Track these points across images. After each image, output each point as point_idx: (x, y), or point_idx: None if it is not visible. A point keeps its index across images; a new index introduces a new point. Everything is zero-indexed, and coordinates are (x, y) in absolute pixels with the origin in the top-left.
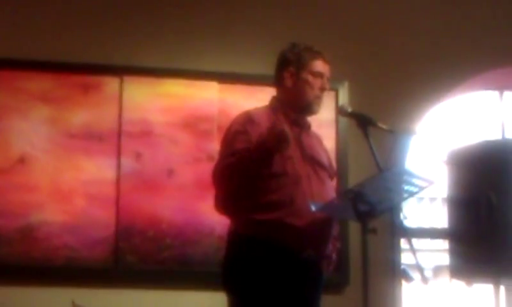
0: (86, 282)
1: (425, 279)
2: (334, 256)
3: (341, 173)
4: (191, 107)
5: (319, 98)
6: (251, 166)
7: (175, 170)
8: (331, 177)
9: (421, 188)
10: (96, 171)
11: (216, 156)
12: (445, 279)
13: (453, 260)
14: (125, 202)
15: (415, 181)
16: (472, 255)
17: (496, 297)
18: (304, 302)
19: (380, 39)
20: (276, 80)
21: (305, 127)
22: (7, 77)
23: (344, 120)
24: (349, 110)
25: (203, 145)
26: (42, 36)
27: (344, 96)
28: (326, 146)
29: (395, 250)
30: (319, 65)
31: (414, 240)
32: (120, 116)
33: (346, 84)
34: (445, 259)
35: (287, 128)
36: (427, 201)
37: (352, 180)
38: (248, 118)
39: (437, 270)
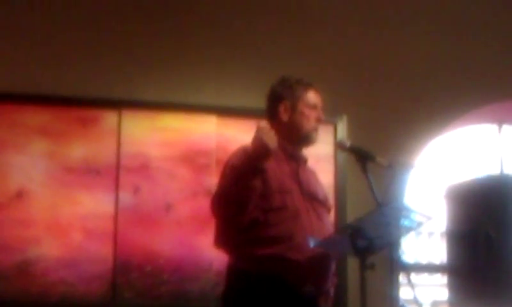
0: None
1: None
2: (332, 291)
3: (339, 208)
4: (189, 141)
5: (315, 129)
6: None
7: (173, 204)
8: (328, 212)
9: (419, 224)
10: (94, 205)
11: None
12: None
13: (452, 295)
14: (122, 237)
15: (413, 216)
16: (471, 289)
17: None
18: None
19: (378, 73)
20: (270, 115)
21: (302, 162)
22: (5, 111)
23: (342, 155)
24: (348, 144)
25: (202, 179)
26: (40, 70)
27: (342, 130)
28: (323, 180)
29: (393, 285)
30: (313, 97)
31: (412, 275)
32: (118, 149)
33: (344, 118)
34: (443, 294)
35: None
36: (425, 235)
37: (351, 215)
38: (245, 153)
39: (435, 305)
